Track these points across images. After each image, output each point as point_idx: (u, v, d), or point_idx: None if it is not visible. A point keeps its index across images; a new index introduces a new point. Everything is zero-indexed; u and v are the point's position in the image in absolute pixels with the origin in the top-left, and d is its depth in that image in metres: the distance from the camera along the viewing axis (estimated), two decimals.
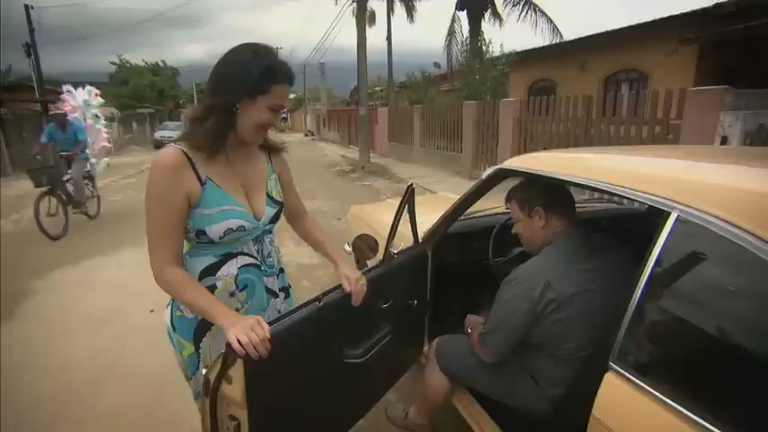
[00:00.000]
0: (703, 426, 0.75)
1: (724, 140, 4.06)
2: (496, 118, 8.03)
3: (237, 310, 1.15)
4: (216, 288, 1.13)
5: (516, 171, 1.40)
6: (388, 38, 16.79)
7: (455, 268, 2.05)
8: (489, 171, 1.50)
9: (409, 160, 12.12)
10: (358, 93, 13.09)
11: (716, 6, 7.37)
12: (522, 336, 1.33)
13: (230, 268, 1.15)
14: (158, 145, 20.06)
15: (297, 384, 1.15)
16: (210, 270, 1.13)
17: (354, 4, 11.93)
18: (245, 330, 0.93)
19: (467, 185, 1.72)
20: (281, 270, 1.33)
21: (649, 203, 0.92)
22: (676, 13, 7.89)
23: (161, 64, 29.77)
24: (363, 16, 11.72)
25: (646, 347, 0.91)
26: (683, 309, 0.89)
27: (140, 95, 24.61)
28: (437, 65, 16.14)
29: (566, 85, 10.74)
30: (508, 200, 1.51)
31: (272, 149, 1.27)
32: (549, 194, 1.42)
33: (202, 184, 1.06)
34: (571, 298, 1.23)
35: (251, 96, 1.04)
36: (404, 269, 1.63)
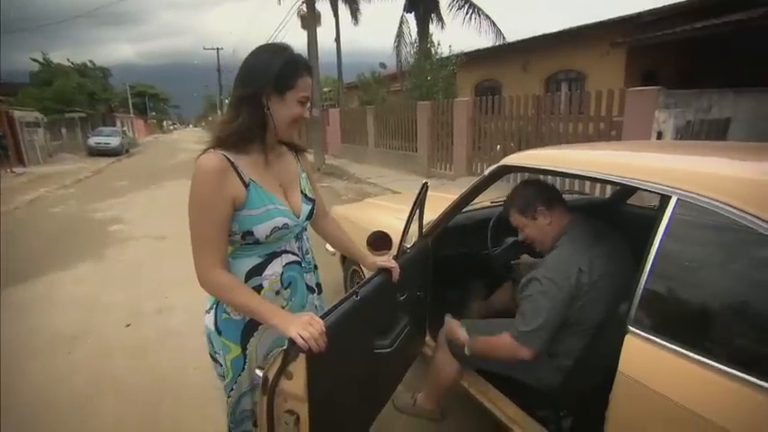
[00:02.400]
0: (706, 363, 0.94)
1: (659, 135, 4.54)
2: (450, 117, 8.34)
3: (282, 307, 1.19)
4: (262, 288, 1.16)
5: (518, 167, 1.54)
6: (337, 39, 16.75)
7: (449, 259, 2.18)
8: (492, 168, 1.63)
9: (364, 161, 12.20)
10: None
11: (638, 15, 8.19)
12: (560, 324, 1.40)
13: (275, 267, 1.18)
14: (93, 152, 18.62)
15: (343, 375, 1.22)
16: (257, 270, 1.16)
17: (302, 5, 11.81)
18: (304, 326, 0.98)
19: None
20: (315, 266, 1.39)
21: (652, 191, 1.09)
22: (606, 18, 8.66)
23: (89, 64, 27.67)
24: (313, 17, 11.64)
25: (657, 310, 1.07)
26: (686, 277, 1.07)
27: (67, 98, 22.60)
28: (383, 65, 16.35)
29: (509, 84, 11.36)
30: (507, 213, 1.61)
31: (297, 149, 1.32)
32: (543, 193, 1.54)
33: (246, 186, 1.09)
34: (596, 281, 1.37)
35: (280, 93, 1.08)
36: (414, 262, 1.73)
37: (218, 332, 1.19)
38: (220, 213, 1.06)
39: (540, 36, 10.13)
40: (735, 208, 0.93)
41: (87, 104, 24.49)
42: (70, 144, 20.42)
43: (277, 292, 1.20)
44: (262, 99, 1.08)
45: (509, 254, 2.04)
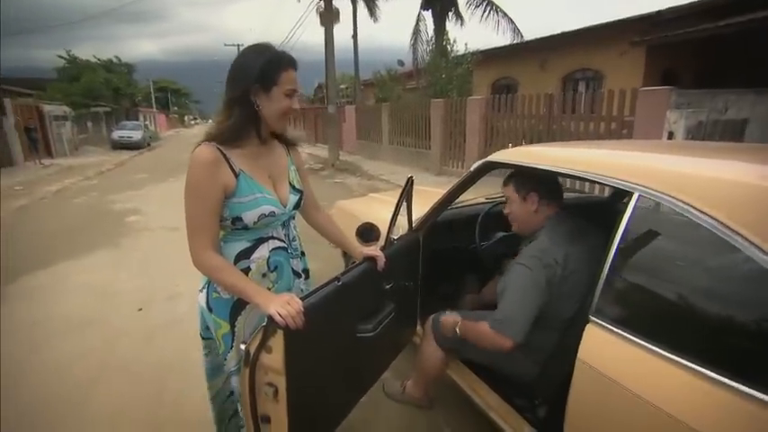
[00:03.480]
0: (656, 351, 0.99)
1: (671, 135, 4.49)
2: (463, 115, 8.34)
3: (269, 289, 1.29)
4: (250, 270, 1.26)
5: (502, 163, 1.60)
6: (354, 36, 16.86)
7: (442, 253, 2.23)
8: (477, 164, 1.69)
9: (378, 158, 12.28)
10: (323, 90, 13.10)
11: (658, 13, 8.02)
12: (537, 313, 1.42)
13: (263, 251, 1.28)
14: (116, 145, 19.20)
15: (322, 353, 1.30)
16: (245, 253, 1.26)
17: (320, 2, 11.94)
18: (283, 305, 1.07)
19: (436, 181, 1.90)
20: (303, 253, 1.48)
21: (616, 186, 1.14)
22: (626, 17, 8.51)
23: (115, 60, 28.43)
24: (330, 14, 11.75)
25: (616, 301, 1.12)
26: (644, 270, 1.11)
27: (94, 93, 23.34)
28: (401, 63, 16.40)
29: (527, 82, 11.24)
30: (506, 183, 1.66)
31: (288, 144, 1.41)
32: (542, 183, 1.59)
33: (236, 176, 1.19)
34: (568, 276, 1.42)
35: (266, 89, 1.16)
36: (402, 254, 1.80)
37: (210, 309, 1.30)
38: (212, 200, 1.16)
39: (557, 34, 10.00)
40: (688, 204, 0.96)
41: (112, 99, 25.20)
42: (95, 137, 21.09)
43: (264, 275, 1.29)
44: (250, 97, 1.16)
45: (496, 248, 2.09)
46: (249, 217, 1.21)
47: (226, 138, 1.18)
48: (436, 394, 2.09)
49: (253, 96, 1.17)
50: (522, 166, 1.54)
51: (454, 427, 1.99)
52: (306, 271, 1.49)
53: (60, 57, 25.38)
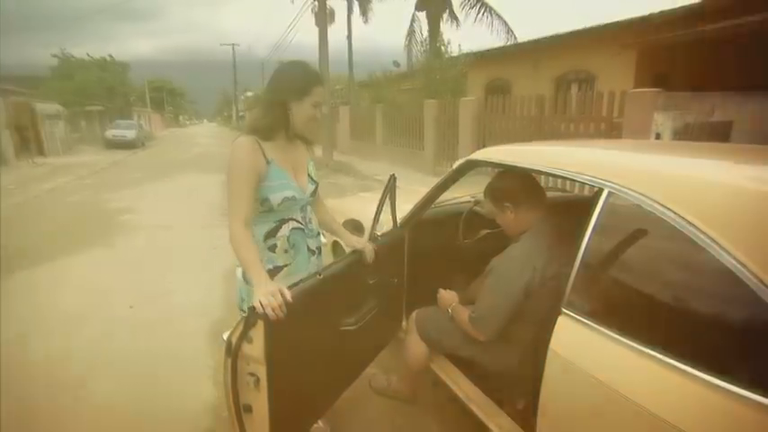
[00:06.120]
0: (620, 340, 1.03)
1: (658, 136, 4.56)
2: (456, 116, 8.40)
3: (289, 264, 1.52)
4: (276, 246, 1.49)
5: (482, 162, 1.64)
6: (349, 37, 16.90)
7: (428, 250, 2.27)
8: (459, 162, 1.73)
9: (372, 158, 12.30)
10: None
11: (649, 17, 8.11)
12: (512, 314, 1.50)
13: (284, 231, 1.50)
14: (110, 144, 19.05)
15: (304, 345, 1.33)
16: (272, 232, 1.48)
17: (315, 3, 11.97)
18: (266, 295, 1.13)
19: (429, 181, 1.97)
20: (318, 233, 1.67)
21: (588, 183, 1.18)
22: (618, 19, 8.59)
23: (108, 59, 28.25)
24: (324, 15, 11.79)
25: (586, 294, 1.16)
26: (612, 264, 1.16)
27: (88, 92, 23.19)
28: (397, 63, 16.43)
29: (520, 84, 11.33)
30: (484, 196, 1.72)
31: (308, 143, 1.64)
32: (515, 189, 1.60)
33: (267, 163, 1.41)
34: (548, 281, 1.44)
35: (299, 99, 1.41)
36: (386, 250, 1.83)
37: (246, 281, 1.47)
38: (250, 181, 1.37)
39: (550, 36, 10.09)
40: (653, 200, 1.01)
41: (106, 98, 25.05)
42: (89, 136, 20.94)
43: (285, 251, 1.51)
44: (285, 102, 1.41)
45: (480, 245, 2.13)
46: (274, 199, 1.42)
47: (262, 131, 1.42)
48: (422, 389, 2.13)
49: (287, 102, 1.41)
50: (502, 164, 1.58)
51: (439, 421, 2.03)
52: (319, 248, 1.68)
53: (54, 55, 25.24)
